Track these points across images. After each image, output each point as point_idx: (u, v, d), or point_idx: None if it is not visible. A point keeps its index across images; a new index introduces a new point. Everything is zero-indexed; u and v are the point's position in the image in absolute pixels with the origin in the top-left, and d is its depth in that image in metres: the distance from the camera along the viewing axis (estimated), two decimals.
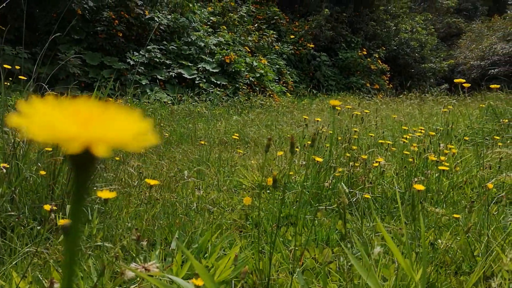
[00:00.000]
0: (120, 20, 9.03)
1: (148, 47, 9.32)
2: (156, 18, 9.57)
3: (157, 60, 9.20)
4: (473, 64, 19.58)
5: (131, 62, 8.83)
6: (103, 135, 0.23)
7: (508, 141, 3.10)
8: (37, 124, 0.22)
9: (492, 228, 1.60)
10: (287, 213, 2.15)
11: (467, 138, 3.01)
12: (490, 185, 1.61)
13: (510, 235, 1.66)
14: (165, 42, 9.77)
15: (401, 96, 10.62)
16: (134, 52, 9.08)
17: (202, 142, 3.17)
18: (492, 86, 2.72)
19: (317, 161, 2.18)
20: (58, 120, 0.23)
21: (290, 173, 2.58)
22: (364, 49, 15.47)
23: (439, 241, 1.66)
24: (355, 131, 2.57)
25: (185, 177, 2.27)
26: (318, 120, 2.50)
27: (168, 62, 9.42)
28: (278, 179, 2.69)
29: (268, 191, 2.64)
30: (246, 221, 2.17)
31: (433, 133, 2.58)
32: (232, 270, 1.37)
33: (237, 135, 3.99)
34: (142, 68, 8.98)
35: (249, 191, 2.74)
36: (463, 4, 31.59)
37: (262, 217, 2.15)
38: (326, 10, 14.20)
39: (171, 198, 2.18)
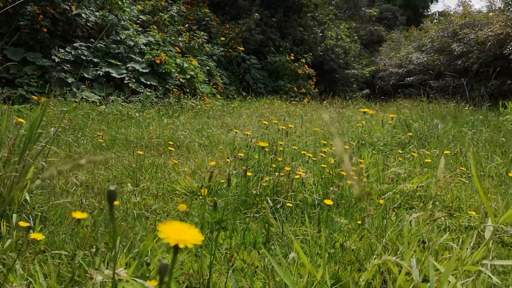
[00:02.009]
0: (45, 15, 8.74)
1: (75, 44, 9.10)
2: (83, 15, 9.36)
3: (84, 58, 9.02)
4: (392, 71, 20.88)
5: (56, 59, 8.58)
6: (184, 239, 0.46)
7: (408, 155, 3.55)
8: (167, 237, 0.44)
9: (389, 232, 1.92)
10: (219, 218, 2.37)
11: (375, 152, 3.41)
12: (381, 201, 1.94)
13: (403, 237, 2.00)
14: (92, 40, 9.58)
15: (325, 102, 11.20)
16: (60, 49, 8.82)
17: (140, 152, 3.29)
18: (390, 115, 3.11)
19: (246, 169, 2.42)
20: (173, 233, 0.46)
21: (222, 180, 2.80)
22: (292, 54, 16.05)
23: (348, 242, 1.96)
24: (280, 143, 2.85)
25: (129, 189, 2.41)
26: (247, 134, 2.74)
27: (95, 60, 9.26)
28: (210, 185, 2.90)
29: (200, 197, 2.84)
30: None
31: (348, 147, 2.93)
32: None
33: (171, 142, 4.14)
34: (68, 65, 8.75)
35: (182, 197, 2.93)
36: (384, 13, 33.59)
37: (196, 222, 2.35)
38: (256, 14, 14.57)
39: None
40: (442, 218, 2.22)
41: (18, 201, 1.91)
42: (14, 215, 1.77)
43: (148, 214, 2.47)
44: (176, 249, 0.55)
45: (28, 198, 1.81)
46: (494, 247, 2.17)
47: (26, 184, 1.94)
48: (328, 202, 1.67)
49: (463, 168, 3.24)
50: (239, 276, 1.71)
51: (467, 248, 1.71)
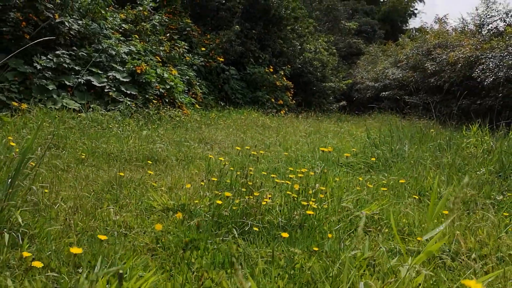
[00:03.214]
0: (28, 22, 8.83)
1: (57, 51, 9.20)
2: (66, 23, 9.47)
3: (66, 66, 9.12)
4: (368, 85, 21.44)
5: (38, 66, 8.68)
6: None
7: (368, 183, 3.84)
8: None
9: (343, 256, 2.18)
10: (192, 237, 2.59)
11: (338, 179, 3.68)
12: (329, 235, 2.19)
13: (357, 260, 2.26)
14: (75, 48, 9.69)
15: (300, 116, 11.49)
16: (42, 56, 8.91)
17: (121, 174, 3.48)
18: (352, 149, 3.38)
19: (219, 193, 2.66)
20: None
21: (196, 201, 3.02)
22: (271, 66, 16.37)
23: (307, 265, 2.21)
24: (251, 169, 3.10)
25: (112, 213, 2.61)
26: (221, 159, 2.97)
27: (77, 68, 9.36)
28: (185, 204, 3.11)
29: (175, 215, 3.05)
30: (156, 244, 2.57)
31: (313, 173, 3.20)
32: None
33: (150, 162, 4.34)
34: (50, 72, 8.85)
35: (159, 214, 3.13)
36: (363, 26, 34.38)
37: (170, 241, 2.56)
38: (237, 26, 14.85)
39: (92, 224, 2.52)
40: (392, 245, 2.49)
41: (10, 222, 2.09)
42: (6, 235, 1.96)
43: (127, 232, 2.68)
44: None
45: (20, 220, 2.00)
46: (437, 271, 2.45)
47: (19, 208, 2.13)
48: (285, 235, 1.91)
49: (416, 196, 3.54)
50: None
51: (415, 272, 1.97)
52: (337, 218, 2.87)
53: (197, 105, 11.94)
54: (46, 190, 2.76)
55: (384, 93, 19.39)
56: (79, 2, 10.21)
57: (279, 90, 16.18)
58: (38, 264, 1.48)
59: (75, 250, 1.42)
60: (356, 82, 23.12)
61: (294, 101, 16.99)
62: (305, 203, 2.66)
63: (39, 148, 3.25)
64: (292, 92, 17.05)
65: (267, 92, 15.60)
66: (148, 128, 7.16)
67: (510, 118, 10.39)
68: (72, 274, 2.05)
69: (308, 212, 2.45)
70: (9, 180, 2.12)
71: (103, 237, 1.44)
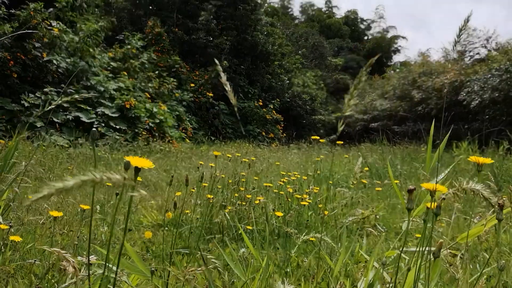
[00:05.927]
0: (16, 61, 8.86)
1: (45, 89, 9.20)
2: (54, 61, 9.53)
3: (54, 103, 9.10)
4: (357, 118, 21.64)
5: (26, 104, 8.65)
6: (142, 164, 0.63)
7: (364, 189, 3.80)
8: (132, 162, 0.62)
9: (340, 249, 2.09)
10: (183, 245, 2.49)
11: (331, 182, 3.63)
12: (326, 212, 2.13)
13: (355, 256, 2.18)
14: (63, 85, 9.70)
15: (291, 145, 11.52)
16: (30, 94, 8.90)
17: (109, 184, 3.40)
18: (345, 155, 3.36)
19: (210, 200, 2.58)
20: (135, 161, 0.63)
21: (187, 211, 2.93)
22: (260, 100, 16.53)
23: (305, 261, 2.12)
24: (243, 174, 3.03)
25: (95, 217, 2.51)
26: (212, 165, 2.92)
27: (65, 105, 9.34)
28: (176, 216, 3.02)
29: (166, 228, 2.95)
30: (146, 253, 2.47)
31: (305, 177, 3.15)
32: None
33: (140, 179, 4.25)
34: (38, 110, 8.80)
35: (149, 229, 3.03)
36: (349, 62, 35.19)
37: (161, 249, 2.46)
38: (225, 62, 15.06)
39: (79, 234, 2.42)
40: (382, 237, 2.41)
41: None
42: None
43: (116, 243, 2.57)
44: (137, 169, 0.76)
45: (1, 220, 1.91)
46: None
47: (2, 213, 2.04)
48: (279, 213, 1.84)
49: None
50: None
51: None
52: (331, 218, 2.80)
53: (187, 140, 11.91)
54: (30, 197, 2.66)
55: (373, 124, 19.53)
56: (67, 41, 10.30)
57: (269, 124, 16.27)
58: (17, 238, 1.39)
59: (55, 213, 1.34)
60: (345, 117, 23.24)
61: (284, 134, 17.06)
62: (298, 196, 2.58)
63: (23, 163, 3.17)
64: (283, 126, 17.15)
65: (258, 125, 15.68)
66: None
67: (498, 137, 10.46)
68: (56, 278, 1.95)
69: (303, 202, 2.38)
70: None
71: (57, 214, 1.34)
